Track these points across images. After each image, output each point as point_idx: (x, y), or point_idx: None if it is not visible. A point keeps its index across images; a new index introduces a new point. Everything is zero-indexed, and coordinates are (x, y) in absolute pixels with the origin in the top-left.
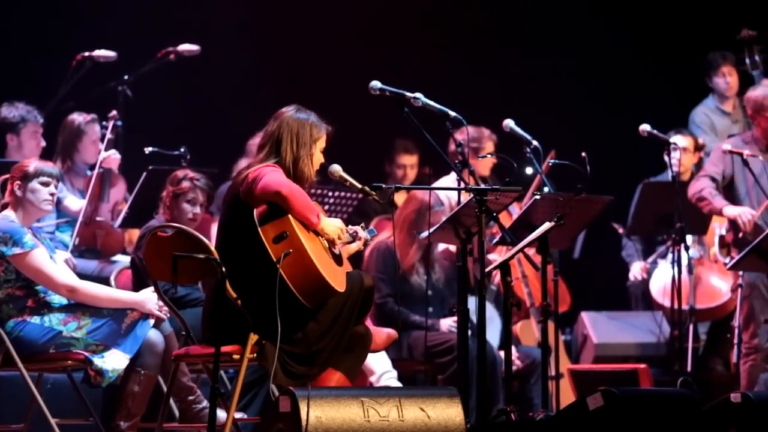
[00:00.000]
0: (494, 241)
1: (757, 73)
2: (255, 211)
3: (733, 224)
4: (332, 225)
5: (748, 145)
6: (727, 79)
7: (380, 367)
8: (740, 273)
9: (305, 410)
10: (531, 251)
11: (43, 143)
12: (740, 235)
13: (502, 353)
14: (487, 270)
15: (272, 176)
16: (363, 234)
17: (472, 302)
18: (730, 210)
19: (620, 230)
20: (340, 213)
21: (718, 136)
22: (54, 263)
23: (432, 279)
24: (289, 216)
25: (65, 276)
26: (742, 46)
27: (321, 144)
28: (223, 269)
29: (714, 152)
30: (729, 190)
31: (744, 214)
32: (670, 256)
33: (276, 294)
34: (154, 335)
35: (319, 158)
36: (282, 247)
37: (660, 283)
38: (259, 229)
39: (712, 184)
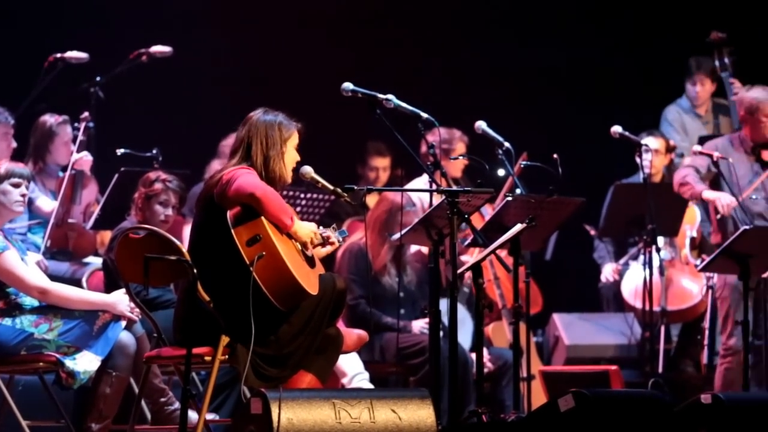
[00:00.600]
0: (466, 242)
1: (725, 74)
2: (228, 213)
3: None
4: (306, 228)
5: (734, 145)
6: (697, 88)
7: (352, 369)
8: (712, 275)
9: (276, 412)
10: (503, 253)
11: (14, 144)
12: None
13: (473, 355)
14: (458, 271)
15: (246, 178)
16: (334, 237)
17: (443, 304)
18: (710, 193)
19: (592, 232)
20: (312, 215)
21: (689, 136)
22: (25, 265)
23: (404, 281)
24: (263, 218)
25: (37, 278)
26: (711, 49)
27: (293, 142)
28: (195, 271)
29: (704, 146)
30: (713, 186)
31: (724, 196)
32: (641, 257)
33: (249, 297)
34: (126, 337)
35: (293, 156)
36: (255, 250)
37: (631, 285)
38: (232, 231)
39: (696, 173)
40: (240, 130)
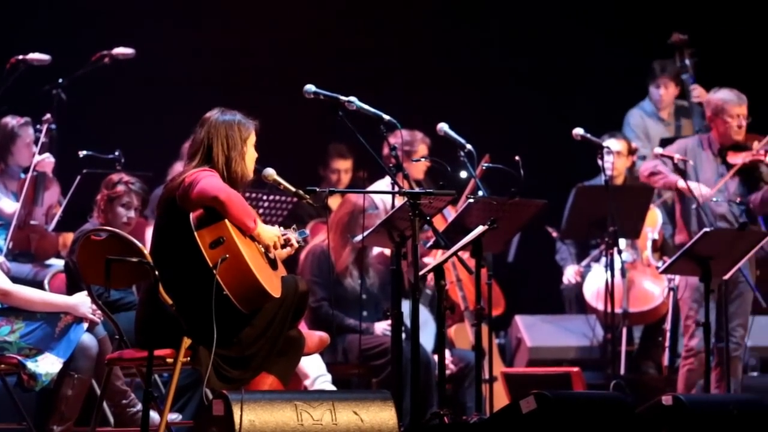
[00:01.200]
0: (428, 244)
1: (686, 76)
2: (191, 215)
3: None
4: (269, 231)
5: (703, 146)
6: (661, 91)
7: (314, 370)
8: (673, 277)
9: (239, 414)
10: (465, 255)
11: None
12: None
13: (436, 356)
14: (420, 273)
15: (209, 181)
16: (294, 239)
17: (406, 306)
18: (683, 182)
19: (554, 234)
20: (274, 216)
21: (651, 141)
22: None
23: (366, 282)
24: (226, 221)
25: None
26: (673, 50)
27: (252, 140)
28: (156, 273)
29: (674, 145)
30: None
31: (701, 186)
32: (603, 259)
33: (212, 299)
34: (88, 339)
35: (253, 155)
36: (218, 253)
37: (593, 287)
38: (195, 234)
39: (664, 165)
40: (198, 132)
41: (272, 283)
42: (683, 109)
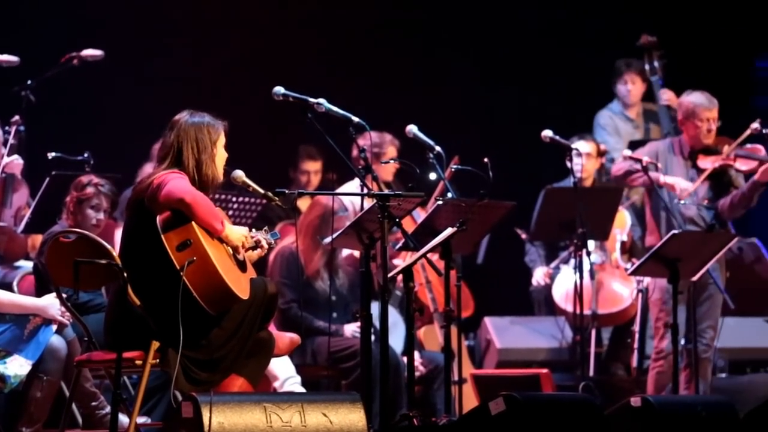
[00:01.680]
0: (397, 246)
1: (655, 78)
2: (158, 218)
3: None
4: (237, 232)
5: (674, 149)
6: (629, 86)
7: (284, 372)
8: (642, 278)
9: (208, 416)
10: (434, 256)
11: None
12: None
13: (405, 358)
14: (390, 275)
15: (176, 183)
16: (265, 240)
17: (375, 307)
18: (667, 177)
19: (523, 236)
20: (244, 218)
21: (622, 139)
22: None
23: (336, 284)
24: (193, 223)
25: None
26: (642, 52)
27: (222, 141)
28: (125, 275)
29: (645, 147)
30: (648, 189)
31: (682, 181)
32: (572, 261)
33: (179, 301)
34: (57, 341)
35: (222, 156)
36: (186, 255)
37: (562, 289)
38: (162, 236)
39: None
40: (168, 135)
41: (240, 284)
42: (651, 113)
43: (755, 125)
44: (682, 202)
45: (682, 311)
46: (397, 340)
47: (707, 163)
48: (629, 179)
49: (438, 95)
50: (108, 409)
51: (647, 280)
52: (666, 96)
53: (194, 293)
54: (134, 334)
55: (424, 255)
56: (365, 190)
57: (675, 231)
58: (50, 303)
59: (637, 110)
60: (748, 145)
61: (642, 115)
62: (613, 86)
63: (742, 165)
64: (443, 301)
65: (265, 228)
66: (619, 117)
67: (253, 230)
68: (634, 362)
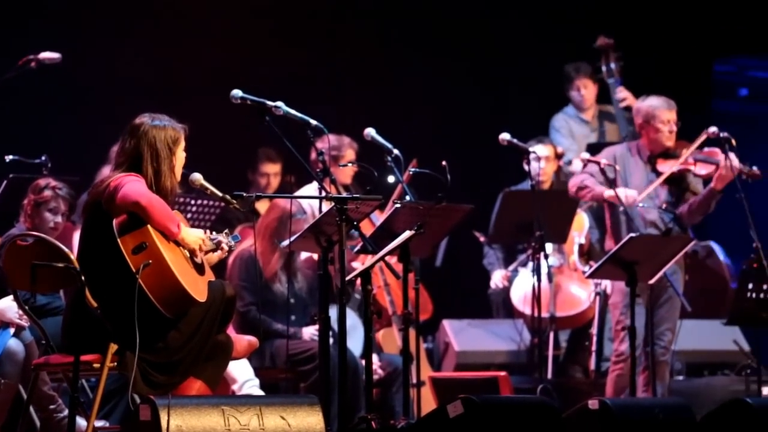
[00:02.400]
0: (355, 249)
1: (612, 81)
2: (114, 221)
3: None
4: (193, 235)
5: (632, 152)
6: (581, 92)
7: (242, 375)
8: (600, 281)
9: (166, 419)
10: (393, 259)
11: None
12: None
13: (364, 361)
14: (348, 278)
15: (132, 186)
16: (225, 243)
17: (334, 310)
18: (610, 191)
19: (481, 238)
20: (202, 221)
21: (576, 141)
22: None
23: (294, 287)
24: (149, 226)
25: None
26: (599, 54)
27: (182, 146)
28: (83, 278)
29: (602, 153)
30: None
31: (625, 189)
32: (530, 264)
33: (134, 304)
34: (14, 344)
35: (182, 157)
36: (141, 258)
37: (521, 291)
38: (118, 239)
39: (592, 178)
40: (127, 141)
41: (197, 287)
42: (608, 114)
43: (712, 129)
44: (643, 205)
45: (641, 314)
46: (355, 343)
47: (666, 167)
48: (580, 195)
49: (396, 98)
50: (66, 412)
51: (605, 283)
52: (622, 95)
53: (150, 296)
54: (92, 337)
55: (382, 258)
56: (323, 193)
57: (632, 234)
58: (7, 306)
59: (593, 112)
60: (706, 149)
61: (597, 118)
62: (566, 93)
63: (701, 169)
64: (401, 304)
65: (226, 231)
66: (574, 120)
67: (213, 233)
68: (592, 365)
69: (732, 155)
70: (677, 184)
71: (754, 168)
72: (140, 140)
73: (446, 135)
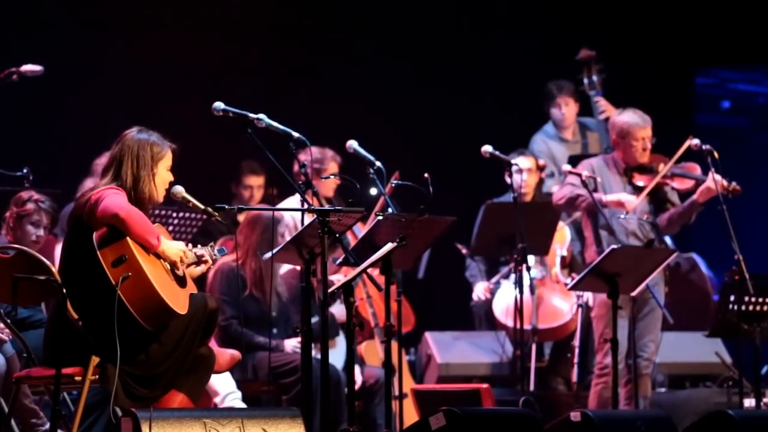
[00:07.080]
0: (338, 261)
1: (594, 93)
2: (95, 234)
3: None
4: (174, 248)
5: (609, 166)
6: (562, 110)
7: (224, 388)
8: (582, 293)
9: None
10: (375, 272)
11: None
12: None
13: (346, 373)
14: (330, 290)
15: (111, 199)
16: (208, 255)
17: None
18: (610, 195)
19: (464, 251)
20: (184, 234)
21: (557, 162)
22: None
23: (279, 299)
24: (128, 239)
25: None
26: (581, 66)
27: (166, 163)
28: (64, 291)
29: (579, 166)
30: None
31: (624, 195)
32: (512, 276)
33: (115, 317)
34: None
35: (165, 177)
36: (120, 271)
37: (503, 304)
38: (98, 252)
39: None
40: (113, 148)
41: (178, 300)
42: (589, 127)
43: (694, 141)
44: (622, 216)
45: (624, 326)
46: (337, 355)
47: (642, 181)
48: (574, 204)
49: (379, 110)
50: (48, 425)
51: (587, 295)
52: (602, 104)
53: (130, 309)
54: (73, 350)
55: (364, 270)
56: (305, 206)
57: (614, 246)
58: None
59: (573, 129)
60: (684, 164)
61: (579, 132)
62: (546, 110)
63: (679, 184)
64: (384, 316)
65: (211, 244)
66: (554, 140)
67: (198, 246)
68: (575, 377)
69: (712, 171)
70: (654, 195)
71: (734, 183)
72: (123, 146)
73: (429, 147)
